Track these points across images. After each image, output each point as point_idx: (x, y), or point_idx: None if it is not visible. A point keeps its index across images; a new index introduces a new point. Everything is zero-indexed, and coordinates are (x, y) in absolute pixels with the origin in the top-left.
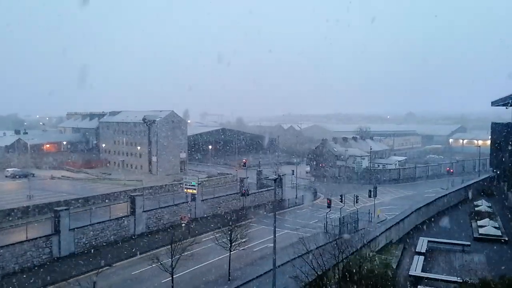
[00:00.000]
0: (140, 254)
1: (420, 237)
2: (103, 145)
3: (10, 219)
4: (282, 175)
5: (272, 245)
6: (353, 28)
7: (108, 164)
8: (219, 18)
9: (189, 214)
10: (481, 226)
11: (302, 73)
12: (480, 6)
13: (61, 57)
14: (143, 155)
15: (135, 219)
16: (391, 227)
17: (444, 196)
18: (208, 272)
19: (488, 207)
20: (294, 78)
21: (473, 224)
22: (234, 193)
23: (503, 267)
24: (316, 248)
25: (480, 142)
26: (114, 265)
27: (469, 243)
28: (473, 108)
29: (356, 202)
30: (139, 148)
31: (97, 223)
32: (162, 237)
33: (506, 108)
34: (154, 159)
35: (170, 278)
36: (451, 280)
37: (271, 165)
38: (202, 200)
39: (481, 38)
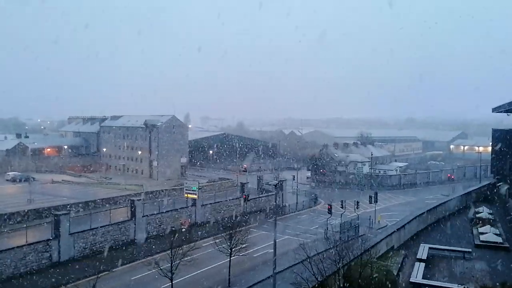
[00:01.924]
0: (140, 259)
1: (421, 244)
2: (104, 149)
3: (10, 223)
4: (283, 180)
5: (273, 250)
6: (353, 33)
7: (109, 169)
8: (220, 22)
9: (189, 219)
10: (482, 233)
11: (303, 77)
12: (482, 12)
13: (63, 60)
14: (144, 160)
15: (135, 224)
16: (392, 233)
17: (445, 202)
18: (208, 278)
19: (489, 213)
20: (295, 83)
21: (474, 231)
22: (234, 198)
23: (504, 274)
24: (317, 254)
25: (481, 148)
26: (113, 270)
27: (470, 250)
28: (474, 114)
29: (357, 208)
30: (140, 152)
31: (97, 227)
32: (162, 242)
33: (508, 115)
34: (154, 163)
35: (170, 283)
36: (452, 287)
37: (272, 170)
38: (203, 205)
39: (483, 44)
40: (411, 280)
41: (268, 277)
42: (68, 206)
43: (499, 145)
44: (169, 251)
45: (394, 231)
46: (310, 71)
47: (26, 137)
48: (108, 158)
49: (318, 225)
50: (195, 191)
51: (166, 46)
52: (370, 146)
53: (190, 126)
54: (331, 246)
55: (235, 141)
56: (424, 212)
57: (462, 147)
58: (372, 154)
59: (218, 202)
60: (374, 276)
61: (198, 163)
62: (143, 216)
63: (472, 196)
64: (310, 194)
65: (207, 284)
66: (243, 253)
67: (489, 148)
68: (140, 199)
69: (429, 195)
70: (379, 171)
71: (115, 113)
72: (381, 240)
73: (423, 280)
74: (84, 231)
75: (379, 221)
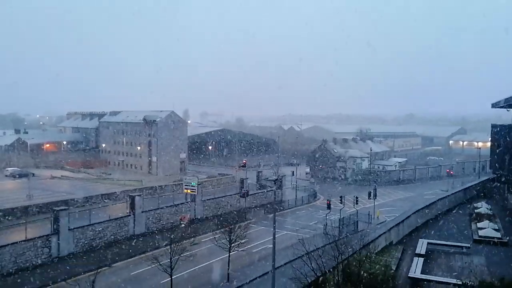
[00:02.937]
0: (139, 254)
1: (420, 239)
2: (103, 145)
3: (9, 218)
4: (282, 176)
5: (272, 246)
6: (353, 30)
7: (108, 164)
8: (219, 18)
9: (188, 215)
10: (481, 228)
11: (302, 73)
12: (481, 9)
13: (62, 56)
14: (143, 155)
15: (134, 219)
16: (390, 228)
17: (444, 198)
18: (207, 273)
19: (488, 209)
20: (295, 79)
21: (473, 226)
22: (234, 194)
23: (503, 269)
24: (316, 249)
25: (480, 144)
26: (113, 265)
27: (469, 245)
28: (473, 110)
29: (356, 204)
30: (139, 148)
31: (97, 223)
32: (161, 238)
33: (508, 110)
34: (154, 159)
35: (169, 278)
36: (450, 282)
37: (271, 166)
38: (202, 201)
39: (482, 40)
40: (410, 275)
41: (267, 272)
42: (68, 202)
43: (498, 141)
44: (168, 247)
45: (393, 227)
46: (310, 67)
47: (25, 132)
48: (107, 153)
49: (317, 220)
50: (194, 186)
51: (165, 42)
52: (369, 141)
53: (189, 121)
54: (330, 242)
55: (234, 137)
56: (423, 208)
57: (461, 143)
58: (371, 150)
59: (218, 197)
60: (373, 271)
61: (198, 159)
62: (142, 212)
63: (471, 192)
64: (309, 190)
65: (207, 279)
66: (242, 249)
67: (488, 144)
68: (139, 195)
69: (428, 190)
70: (378, 167)
71: (114, 109)
72: (380, 236)
73: (421, 275)
74: (83, 226)
75: (378, 217)
